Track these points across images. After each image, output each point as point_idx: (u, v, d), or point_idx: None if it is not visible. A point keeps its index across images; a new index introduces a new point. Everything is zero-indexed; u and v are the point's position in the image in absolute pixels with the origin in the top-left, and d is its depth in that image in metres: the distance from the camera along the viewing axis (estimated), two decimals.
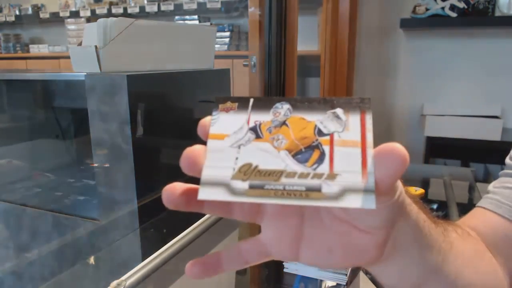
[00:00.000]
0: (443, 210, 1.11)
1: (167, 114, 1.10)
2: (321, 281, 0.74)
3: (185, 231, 0.89)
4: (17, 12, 3.59)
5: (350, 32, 2.04)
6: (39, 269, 1.18)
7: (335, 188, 0.23)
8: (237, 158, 0.25)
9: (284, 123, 0.26)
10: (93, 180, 1.15)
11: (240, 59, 2.26)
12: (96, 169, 1.00)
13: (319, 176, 0.24)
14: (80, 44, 1.05)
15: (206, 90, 1.28)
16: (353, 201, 0.23)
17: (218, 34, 2.66)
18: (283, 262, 0.77)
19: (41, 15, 3.45)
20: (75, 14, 3.27)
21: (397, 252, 0.30)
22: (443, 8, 1.97)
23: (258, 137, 0.25)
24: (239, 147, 0.25)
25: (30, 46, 3.61)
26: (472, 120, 1.94)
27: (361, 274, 0.74)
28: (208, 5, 2.72)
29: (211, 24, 2.76)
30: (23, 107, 1.51)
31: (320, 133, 0.25)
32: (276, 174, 0.24)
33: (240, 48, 2.73)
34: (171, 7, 2.83)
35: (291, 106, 0.26)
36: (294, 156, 0.25)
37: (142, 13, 2.94)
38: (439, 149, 2.05)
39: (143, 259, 0.77)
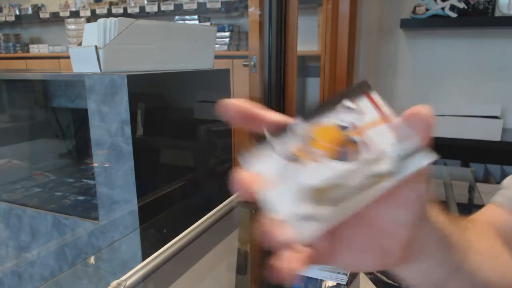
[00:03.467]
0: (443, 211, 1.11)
1: (167, 114, 1.10)
2: (321, 281, 0.74)
3: (185, 231, 0.89)
4: (17, 12, 3.58)
5: (350, 32, 2.04)
6: (39, 269, 1.18)
7: (391, 164, 0.24)
8: (295, 191, 0.25)
9: (308, 137, 0.25)
10: (93, 180, 1.15)
11: (240, 59, 2.26)
12: (96, 169, 1.00)
13: (370, 162, 0.24)
14: (80, 44, 1.05)
15: (206, 90, 1.28)
16: (416, 163, 0.24)
17: (218, 34, 2.65)
18: None
19: (41, 15, 3.45)
20: (75, 14, 3.27)
21: (421, 254, 0.31)
22: (443, 8, 1.97)
23: (297, 162, 0.25)
24: (288, 181, 0.25)
25: (30, 46, 3.61)
26: (472, 120, 1.94)
27: (361, 274, 0.74)
28: (208, 5, 2.71)
29: (211, 24, 2.76)
30: (23, 107, 1.51)
31: (343, 128, 0.25)
32: (338, 185, 0.24)
33: (240, 48, 2.73)
34: (171, 7, 2.83)
35: (303, 120, 0.26)
36: (336, 159, 0.25)
37: (142, 13, 2.94)
38: (439, 149, 2.04)
39: (143, 259, 0.76)
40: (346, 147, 0.24)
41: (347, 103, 0.25)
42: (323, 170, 0.24)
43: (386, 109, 0.25)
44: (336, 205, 0.24)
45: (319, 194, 0.24)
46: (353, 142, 0.24)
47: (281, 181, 0.25)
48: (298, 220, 0.24)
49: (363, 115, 0.25)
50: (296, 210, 0.24)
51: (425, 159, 0.24)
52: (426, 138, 0.24)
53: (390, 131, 0.24)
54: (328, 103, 0.25)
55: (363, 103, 0.25)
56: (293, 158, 0.25)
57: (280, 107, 1.79)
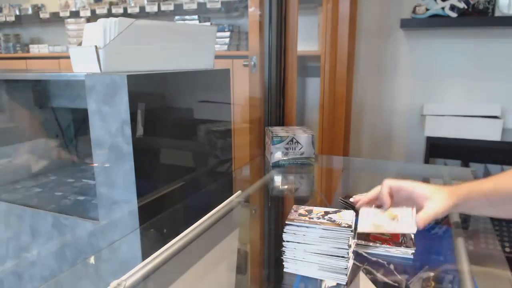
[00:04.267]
0: None
1: (167, 114, 1.10)
2: (321, 281, 0.74)
3: (185, 231, 0.89)
4: (17, 12, 3.58)
5: (350, 32, 2.04)
6: (39, 269, 1.18)
7: (400, 227, 0.80)
8: (371, 222, 0.83)
9: (385, 211, 0.85)
10: (93, 180, 1.15)
11: (240, 59, 2.26)
12: (96, 169, 1.00)
13: (397, 223, 0.81)
14: (80, 44, 1.05)
15: (206, 90, 1.28)
16: (409, 230, 0.79)
17: (218, 34, 2.65)
18: (283, 262, 0.77)
19: (41, 15, 3.45)
20: (75, 14, 3.27)
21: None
22: (443, 8, 1.97)
23: (377, 215, 0.85)
24: (370, 217, 0.85)
25: (30, 46, 3.61)
26: (472, 120, 1.94)
27: (361, 274, 0.74)
28: (208, 5, 2.71)
29: (211, 24, 2.76)
30: (23, 107, 1.51)
31: (398, 213, 0.83)
32: (384, 226, 0.82)
33: (240, 48, 2.73)
34: (171, 7, 2.83)
35: (386, 207, 0.86)
36: (389, 220, 0.82)
37: (142, 13, 2.94)
38: (439, 149, 2.05)
39: (143, 259, 0.76)
40: (394, 219, 0.82)
41: (405, 207, 0.83)
42: (384, 220, 0.82)
43: (414, 211, 0.80)
44: (378, 229, 0.82)
45: (376, 227, 0.82)
46: (397, 217, 0.82)
47: (368, 217, 0.85)
48: (367, 225, 0.83)
49: (406, 210, 0.82)
50: (369, 224, 0.83)
51: (412, 230, 0.78)
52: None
53: (409, 218, 0.80)
54: (402, 208, 0.84)
55: (409, 209, 0.82)
56: (376, 214, 0.85)
57: (280, 107, 1.79)
